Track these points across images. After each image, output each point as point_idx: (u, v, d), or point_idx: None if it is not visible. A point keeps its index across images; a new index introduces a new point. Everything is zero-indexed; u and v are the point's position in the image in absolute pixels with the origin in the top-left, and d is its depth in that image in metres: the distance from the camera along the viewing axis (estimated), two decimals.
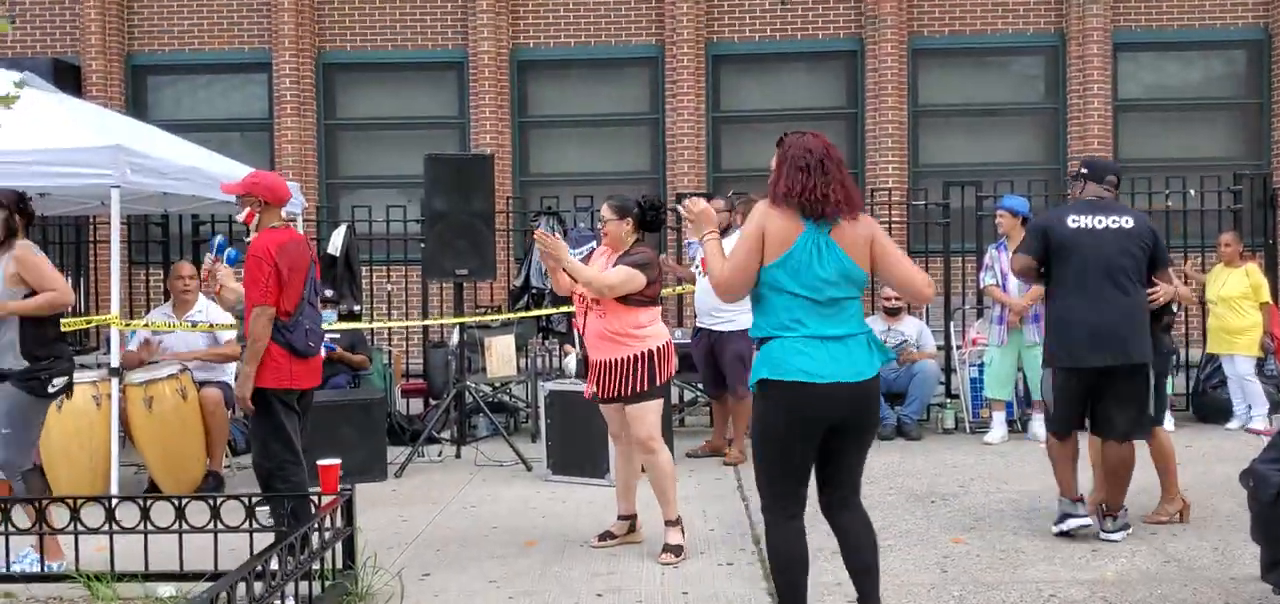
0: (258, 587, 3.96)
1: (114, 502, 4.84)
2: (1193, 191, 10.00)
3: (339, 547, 4.76)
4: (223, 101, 13.47)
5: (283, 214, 5.49)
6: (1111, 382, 5.45)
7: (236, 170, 8.22)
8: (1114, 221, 5.49)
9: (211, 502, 4.71)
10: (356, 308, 9.60)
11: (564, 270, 5.44)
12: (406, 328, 10.17)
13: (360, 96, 13.35)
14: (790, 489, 3.83)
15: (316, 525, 4.53)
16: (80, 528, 4.77)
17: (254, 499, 4.77)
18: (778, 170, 3.83)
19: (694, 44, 12.82)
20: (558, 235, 10.10)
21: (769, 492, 3.88)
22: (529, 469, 7.71)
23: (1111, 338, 5.40)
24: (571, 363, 8.35)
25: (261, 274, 5.17)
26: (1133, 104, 13.00)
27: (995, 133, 13.10)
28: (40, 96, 7.39)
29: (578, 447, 7.25)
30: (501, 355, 9.11)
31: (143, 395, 6.99)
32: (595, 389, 5.57)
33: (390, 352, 9.91)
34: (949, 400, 9.42)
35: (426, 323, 9.09)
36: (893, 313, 9.15)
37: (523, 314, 9.41)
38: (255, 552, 4.25)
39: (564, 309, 8.54)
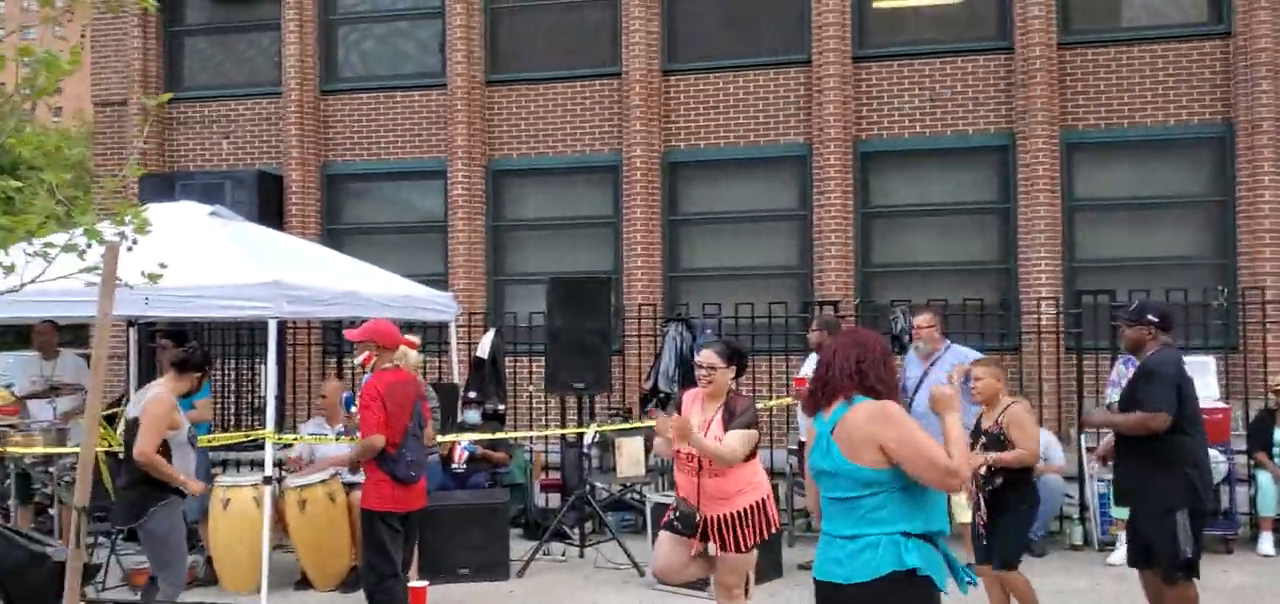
0: None
1: None
2: None
3: None
4: (404, 206, 14.73)
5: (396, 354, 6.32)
6: None
7: (391, 287, 9.15)
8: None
9: None
10: (501, 407, 10.35)
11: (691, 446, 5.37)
12: (546, 427, 10.87)
13: (524, 199, 14.29)
14: None
15: None
16: None
17: None
18: None
19: (841, 142, 13.04)
20: (684, 338, 10.62)
21: None
22: (641, 574, 8.13)
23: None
24: None
25: (372, 410, 6.05)
26: None
27: (1158, 226, 12.66)
28: (218, 227, 8.49)
29: None
30: (631, 456, 9.63)
31: (298, 498, 7.91)
32: (708, 544, 5.55)
33: (531, 450, 10.58)
34: (1081, 515, 9.23)
35: (563, 431, 9.75)
36: None
37: (644, 423, 9.88)
38: None
39: None
